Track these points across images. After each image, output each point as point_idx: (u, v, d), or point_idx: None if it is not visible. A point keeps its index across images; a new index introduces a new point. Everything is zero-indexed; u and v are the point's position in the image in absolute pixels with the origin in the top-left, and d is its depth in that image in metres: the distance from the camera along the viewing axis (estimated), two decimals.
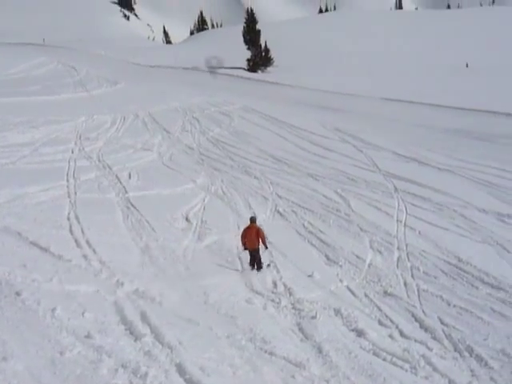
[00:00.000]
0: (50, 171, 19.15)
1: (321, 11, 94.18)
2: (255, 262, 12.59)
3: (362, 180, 19.22)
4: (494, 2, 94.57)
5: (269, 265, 12.79)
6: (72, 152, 22.00)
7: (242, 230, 13.07)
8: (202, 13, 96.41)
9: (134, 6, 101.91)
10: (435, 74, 43.69)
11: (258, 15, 54.78)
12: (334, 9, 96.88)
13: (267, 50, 50.38)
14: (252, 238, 12.58)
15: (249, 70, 49.82)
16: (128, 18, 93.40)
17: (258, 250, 12.58)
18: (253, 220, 12.90)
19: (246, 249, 12.66)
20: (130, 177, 19.07)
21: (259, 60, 50.22)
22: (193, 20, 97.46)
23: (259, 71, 49.79)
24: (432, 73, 44.28)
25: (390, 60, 49.86)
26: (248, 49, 50.51)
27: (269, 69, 50.25)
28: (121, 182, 18.33)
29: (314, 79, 43.01)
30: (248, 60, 50.16)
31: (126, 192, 17.37)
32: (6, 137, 23.31)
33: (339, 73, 46.17)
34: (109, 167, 20.07)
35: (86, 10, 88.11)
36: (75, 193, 16.94)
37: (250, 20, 51.11)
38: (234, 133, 26.60)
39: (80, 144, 23.27)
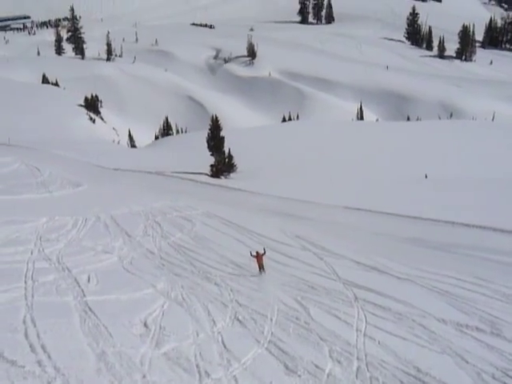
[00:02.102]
0: (8, 272, 18.90)
1: (284, 120, 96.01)
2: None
3: (322, 288, 19.24)
4: (451, 115, 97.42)
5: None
6: (31, 253, 21.77)
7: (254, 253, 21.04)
8: (167, 118, 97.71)
9: (101, 109, 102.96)
10: (395, 184, 44.44)
11: (223, 122, 55.62)
12: (297, 118, 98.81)
13: (231, 157, 51.02)
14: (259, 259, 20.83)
15: (212, 175, 50.25)
16: (94, 121, 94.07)
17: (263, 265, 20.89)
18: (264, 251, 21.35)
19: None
20: (89, 280, 18.88)
21: (223, 166, 50.76)
22: (158, 124, 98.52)
23: (222, 177, 50.25)
24: (392, 183, 45.03)
25: (350, 169, 50.69)
26: (212, 155, 51.07)
27: (232, 175, 50.76)
28: (79, 286, 18.13)
29: (276, 186, 43.45)
30: (211, 166, 50.66)
31: (85, 296, 17.16)
32: None
33: (301, 180, 46.72)
34: (68, 270, 19.87)
35: (52, 112, 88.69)
36: (32, 295, 16.70)
37: (215, 126, 51.85)
38: (196, 238, 26.60)
39: (40, 245, 23.07)
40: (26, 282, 17.99)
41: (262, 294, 18.65)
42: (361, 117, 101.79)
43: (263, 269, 20.96)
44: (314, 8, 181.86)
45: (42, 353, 12.31)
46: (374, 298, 18.19)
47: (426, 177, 45.80)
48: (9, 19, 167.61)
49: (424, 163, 50.35)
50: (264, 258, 21.03)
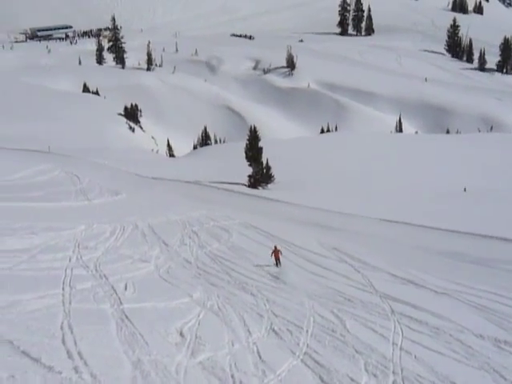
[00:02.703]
0: (46, 279, 19.05)
1: (322, 131, 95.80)
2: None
3: (359, 301, 19.14)
4: (491, 128, 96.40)
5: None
6: (69, 260, 21.93)
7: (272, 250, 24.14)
8: (206, 128, 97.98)
9: (140, 119, 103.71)
10: (433, 197, 44.10)
11: (261, 132, 55.65)
12: (336, 130, 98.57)
13: (268, 168, 50.99)
14: (277, 254, 23.79)
15: (250, 186, 50.27)
16: (133, 130, 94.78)
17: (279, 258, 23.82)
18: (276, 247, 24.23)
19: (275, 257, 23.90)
20: (126, 288, 18.96)
21: (260, 177, 50.76)
22: (196, 134, 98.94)
23: (260, 188, 50.25)
24: (430, 195, 44.69)
25: (388, 181, 50.41)
26: (250, 165, 51.11)
27: (269, 186, 50.73)
28: (116, 293, 18.22)
29: (314, 197, 43.38)
30: (249, 176, 50.70)
31: (121, 303, 17.24)
32: (5, 242, 23.25)
33: (339, 192, 46.60)
34: (105, 277, 19.99)
35: (92, 121, 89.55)
36: (70, 302, 16.80)
37: (253, 137, 51.90)
38: (232, 248, 26.64)
39: (78, 252, 23.23)
40: (63, 289, 18.11)
41: (298, 305, 18.60)
42: (400, 129, 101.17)
43: (279, 262, 23.89)
44: (353, 20, 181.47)
45: (78, 359, 12.38)
46: (410, 311, 18.05)
47: (465, 190, 45.36)
48: (52, 29, 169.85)
49: (463, 176, 49.88)
50: (280, 255, 23.98)
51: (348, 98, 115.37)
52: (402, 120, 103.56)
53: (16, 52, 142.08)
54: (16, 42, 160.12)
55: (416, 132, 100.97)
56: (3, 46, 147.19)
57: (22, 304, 15.85)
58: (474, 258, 25.75)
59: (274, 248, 24.28)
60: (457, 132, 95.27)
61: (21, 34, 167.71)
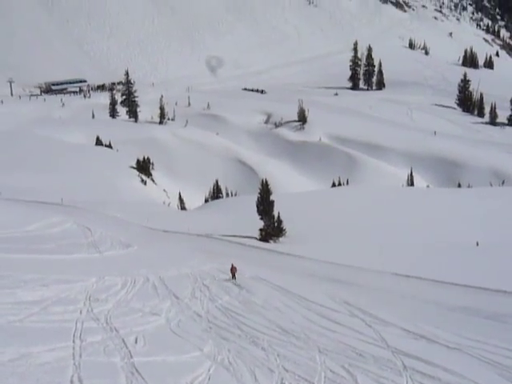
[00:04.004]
0: (57, 331, 19.04)
1: (334, 185, 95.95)
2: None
3: (370, 356, 19.00)
4: (503, 182, 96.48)
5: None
6: (80, 313, 21.92)
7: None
8: (217, 181, 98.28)
9: (152, 172, 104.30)
10: (445, 251, 43.96)
11: (273, 186, 55.83)
12: (347, 183, 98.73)
13: (280, 221, 51.05)
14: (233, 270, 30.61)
15: (261, 239, 50.31)
16: (145, 183, 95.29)
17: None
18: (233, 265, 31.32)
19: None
20: (136, 341, 18.91)
21: (272, 230, 50.80)
22: (208, 187, 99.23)
23: (271, 241, 50.26)
24: (442, 249, 44.55)
25: (400, 235, 50.31)
26: (261, 219, 51.20)
27: (281, 239, 50.74)
28: (127, 347, 18.17)
29: (325, 251, 43.34)
30: (261, 230, 50.75)
31: (132, 357, 17.18)
32: (16, 294, 23.28)
33: (350, 246, 46.53)
34: (116, 330, 19.95)
35: (105, 173, 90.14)
36: (80, 355, 16.77)
37: (265, 191, 52.09)
38: (243, 302, 26.57)
39: (89, 305, 23.22)
40: (74, 342, 18.08)
41: (309, 359, 18.47)
42: (411, 183, 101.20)
43: (235, 278, 31.25)
44: (364, 74, 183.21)
45: None
46: (423, 367, 17.89)
47: (478, 244, 45.19)
48: (66, 83, 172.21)
49: (475, 230, 49.70)
50: (236, 271, 31.26)
51: (359, 152, 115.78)
52: (413, 174, 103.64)
53: (31, 105, 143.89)
54: (31, 95, 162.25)
55: (428, 186, 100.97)
56: (20, 97, 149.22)
57: (32, 356, 15.83)
58: (487, 312, 25.57)
59: (231, 265, 31.61)
60: (468, 186, 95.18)
61: (36, 87, 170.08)
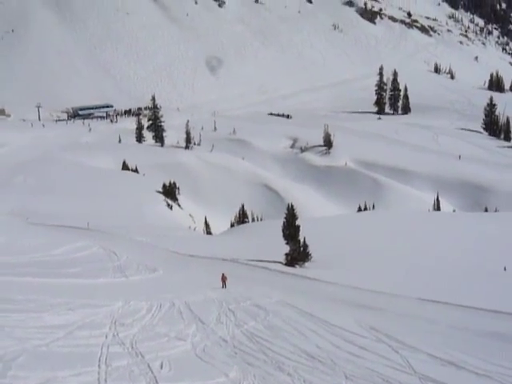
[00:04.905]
0: (83, 356, 19.08)
1: (360, 210, 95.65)
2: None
3: (397, 382, 18.80)
4: None
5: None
6: (106, 337, 21.95)
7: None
8: (243, 206, 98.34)
9: (178, 196, 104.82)
10: (472, 276, 43.59)
11: (298, 210, 55.66)
12: (373, 208, 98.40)
13: (306, 246, 50.87)
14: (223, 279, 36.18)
15: (287, 264, 50.14)
16: (171, 208, 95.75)
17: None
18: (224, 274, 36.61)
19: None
20: (161, 366, 18.88)
21: (297, 255, 50.63)
22: (234, 212, 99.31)
23: (297, 266, 50.08)
24: (469, 274, 44.19)
25: (426, 260, 49.97)
26: (287, 243, 51.08)
27: (306, 264, 50.52)
28: (152, 372, 18.15)
29: (352, 276, 43.12)
30: (286, 254, 50.62)
31: (157, 382, 17.15)
32: (43, 318, 23.42)
33: (376, 271, 46.26)
34: (141, 355, 19.94)
35: (131, 198, 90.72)
36: (105, 380, 16.79)
37: (290, 215, 51.98)
38: (269, 327, 26.45)
39: (115, 329, 23.26)
40: (99, 366, 18.10)
41: None
42: (437, 207, 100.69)
43: (225, 286, 36.61)
44: (390, 99, 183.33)
45: None
46: None
47: (505, 269, 44.78)
48: (93, 108, 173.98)
49: (502, 255, 49.28)
50: (226, 279, 36.84)
51: (385, 177, 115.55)
52: (439, 198, 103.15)
53: (58, 130, 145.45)
54: (58, 120, 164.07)
55: (454, 210, 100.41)
56: (43, 125, 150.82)
57: (58, 381, 15.88)
58: None
59: (222, 274, 37.02)
60: (495, 210, 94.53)
61: (63, 112, 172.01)
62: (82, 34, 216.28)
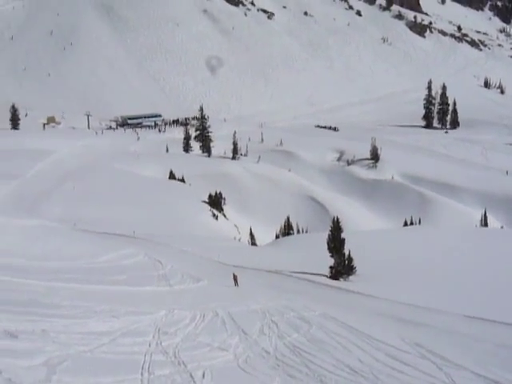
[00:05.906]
0: (126, 363, 19.20)
1: (406, 224, 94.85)
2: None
3: None
4: None
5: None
6: (149, 345, 22.06)
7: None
8: (288, 217, 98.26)
9: (224, 206, 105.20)
10: None
11: (344, 223, 55.49)
12: (419, 223, 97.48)
13: (350, 259, 50.62)
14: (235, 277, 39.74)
15: (331, 277, 49.94)
16: (217, 218, 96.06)
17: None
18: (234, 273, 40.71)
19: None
20: (203, 376, 18.91)
21: (342, 268, 50.40)
22: (279, 223, 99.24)
23: (341, 279, 49.84)
24: None
25: (472, 276, 49.34)
26: (331, 256, 50.89)
27: (351, 277, 50.26)
28: (194, 381, 18.20)
29: (396, 291, 42.76)
30: (331, 267, 50.41)
31: None
32: (88, 324, 23.63)
33: (421, 286, 45.81)
34: (184, 364, 20.00)
35: (177, 207, 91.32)
36: None
37: (336, 228, 51.81)
38: (312, 340, 26.32)
39: (158, 338, 23.37)
40: (142, 374, 18.20)
41: None
42: (485, 223, 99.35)
43: (237, 284, 40.09)
44: (438, 113, 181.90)
45: None
46: None
47: None
48: (141, 117, 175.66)
49: None
50: (238, 277, 40.37)
51: (432, 191, 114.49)
52: (487, 214, 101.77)
53: (107, 138, 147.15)
54: (107, 128, 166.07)
55: (502, 227, 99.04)
56: (96, 133, 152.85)
57: None
58: None
59: (233, 273, 40.74)
60: None
61: (112, 121, 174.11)
62: (133, 44, 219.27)
